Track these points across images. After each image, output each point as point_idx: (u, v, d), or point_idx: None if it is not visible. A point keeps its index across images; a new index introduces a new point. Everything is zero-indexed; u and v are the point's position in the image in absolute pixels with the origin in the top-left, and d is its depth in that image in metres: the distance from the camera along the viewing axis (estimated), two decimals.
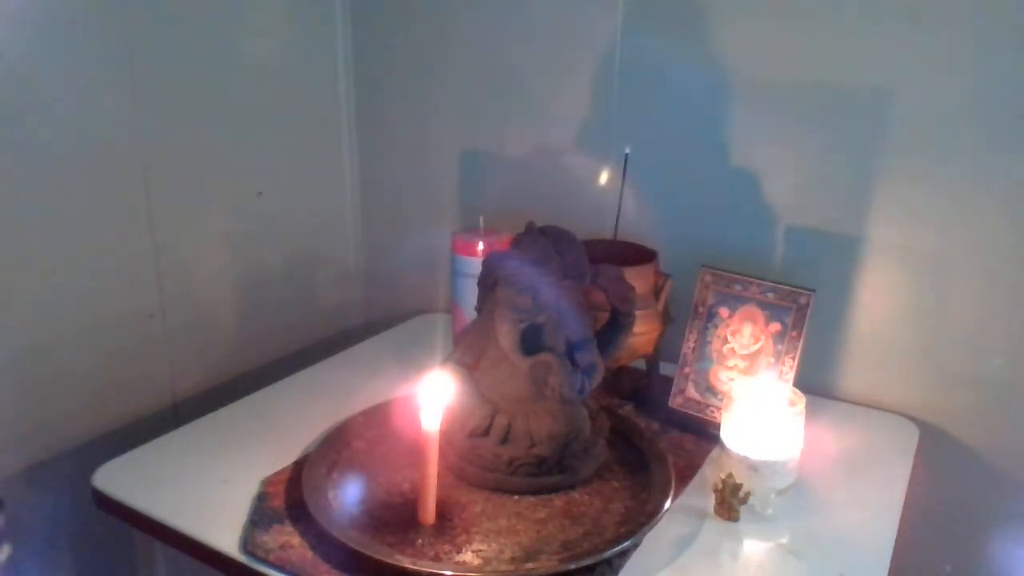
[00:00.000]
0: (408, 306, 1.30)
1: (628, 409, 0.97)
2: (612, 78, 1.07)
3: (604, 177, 1.09)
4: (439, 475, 0.72)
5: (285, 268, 1.24)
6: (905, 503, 0.80)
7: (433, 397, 0.71)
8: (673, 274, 0.96)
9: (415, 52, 1.21)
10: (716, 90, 1.01)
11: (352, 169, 1.32)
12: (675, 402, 0.93)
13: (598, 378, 0.78)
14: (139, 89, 0.98)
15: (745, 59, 0.98)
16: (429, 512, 0.72)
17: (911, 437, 0.93)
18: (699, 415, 0.92)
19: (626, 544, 0.69)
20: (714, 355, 0.92)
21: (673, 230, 1.06)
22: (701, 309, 0.93)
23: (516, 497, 0.78)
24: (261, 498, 0.76)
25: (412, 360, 1.06)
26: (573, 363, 0.76)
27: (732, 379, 0.90)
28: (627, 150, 0.97)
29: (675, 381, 0.94)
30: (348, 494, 0.77)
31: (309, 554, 0.68)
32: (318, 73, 1.24)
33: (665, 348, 0.98)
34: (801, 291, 0.88)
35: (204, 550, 0.71)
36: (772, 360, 0.89)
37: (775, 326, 0.89)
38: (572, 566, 0.66)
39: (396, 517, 0.74)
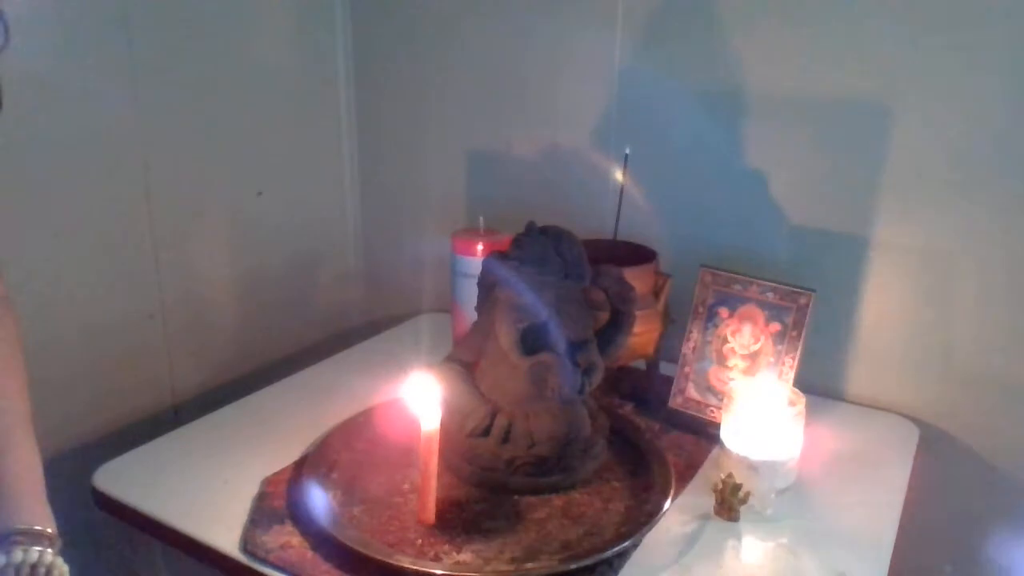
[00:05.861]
0: (408, 306, 1.29)
1: (628, 409, 0.96)
2: (612, 78, 1.07)
3: (604, 177, 1.09)
4: (439, 475, 0.72)
5: (285, 268, 1.24)
6: (905, 503, 0.80)
7: (418, 397, 0.70)
8: (673, 274, 0.96)
9: (415, 52, 1.21)
10: (716, 91, 1.01)
11: (352, 169, 1.32)
12: (675, 402, 0.93)
13: (598, 378, 0.78)
14: (139, 89, 0.98)
15: (745, 61, 0.98)
16: (429, 512, 0.72)
17: (911, 437, 0.93)
18: (699, 415, 0.92)
19: (626, 544, 0.69)
20: (714, 355, 0.92)
21: (673, 230, 1.06)
22: (701, 309, 0.93)
23: (516, 497, 0.78)
24: (261, 498, 0.76)
25: (412, 360, 1.06)
26: (573, 363, 0.76)
27: (732, 379, 0.90)
28: (627, 150, 0.96)
29: (675, 381, 0.94)
30: (348, 494, 0.77)
31: (309, 554, 0.68)
32: (318, 73, 1.24)
33: (665, 348, 0.98)
34: (801, 291, 0.88)
35: (204, 550, 0.71)
36: (772, 360, 0.89)
37: (775, 326, 0.89)
38: (572, 566, 0.66)
39: (396, 517, 0.74)
